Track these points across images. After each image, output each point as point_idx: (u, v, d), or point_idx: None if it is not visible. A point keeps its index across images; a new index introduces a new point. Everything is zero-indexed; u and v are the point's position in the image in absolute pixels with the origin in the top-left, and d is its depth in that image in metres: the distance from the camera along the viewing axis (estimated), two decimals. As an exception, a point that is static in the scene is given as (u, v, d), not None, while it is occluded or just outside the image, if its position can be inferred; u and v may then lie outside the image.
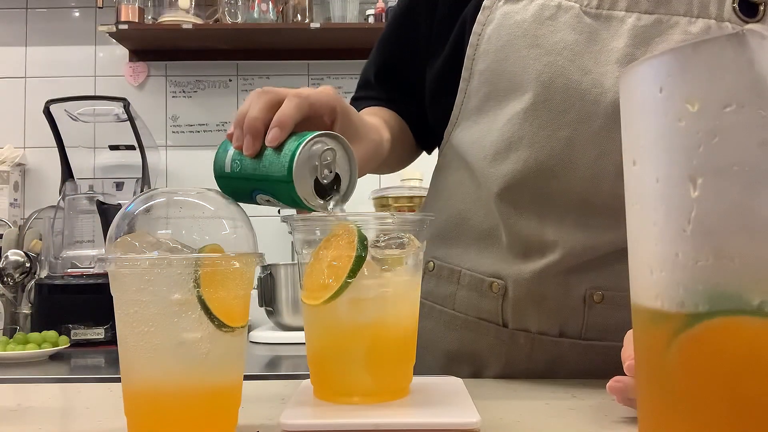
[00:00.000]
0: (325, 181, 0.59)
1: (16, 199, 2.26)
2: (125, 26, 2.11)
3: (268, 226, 1.80)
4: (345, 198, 0.61)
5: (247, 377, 0.54)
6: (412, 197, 2.05)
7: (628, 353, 0.54)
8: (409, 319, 0.61)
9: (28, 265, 1.90)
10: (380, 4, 2.22)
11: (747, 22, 0.69)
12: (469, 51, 0.74)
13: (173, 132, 2.34)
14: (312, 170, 0.58)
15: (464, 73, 0.75)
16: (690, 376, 0.32)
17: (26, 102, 2.32)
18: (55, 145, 2.12)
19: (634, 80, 0.34)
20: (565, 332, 0.74)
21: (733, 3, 0.69)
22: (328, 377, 0.60)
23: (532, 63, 0.69)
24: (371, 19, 2.22)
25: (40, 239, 2.07)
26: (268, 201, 0.62)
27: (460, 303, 0.79)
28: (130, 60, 2.33)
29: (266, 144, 0.59)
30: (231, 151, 0.63)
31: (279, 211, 0.64)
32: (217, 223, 0.53)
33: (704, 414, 0.31)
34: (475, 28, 0.74)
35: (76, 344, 1.73)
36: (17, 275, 1.89)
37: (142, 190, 2.10)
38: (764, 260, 0.29)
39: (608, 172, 0.68)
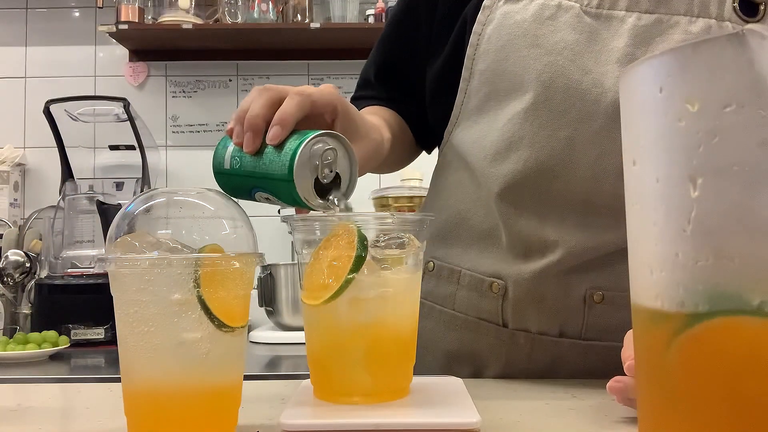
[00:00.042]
0: (325, 181, 0.59)
1: (16, 199, 2.26)
2: (125, 26, 2.11)
3: (268, 226, 1.80)
4: (345, 198, 0.61)
5: (247, 377, 0.54)
6: (412, 197, 2.05)
7: (628, 353, 0.54)
8: (409, 319, 0.61)
9: (28, 265, 1.90)
10: (380, 4, 2.22)
11: (747, 22, 0.69)
12: (469, 51, 0.74)
13: (173, 132, 2.34)
14: (313, 169, 0.58)
15: (464, 73, 0.75)
16: (690, 376, 0.32)
17: (26, 102, 2.32)
18: (55, 145, 2.12)
19: (634, 80, 0.34)
20: (565, 332, 0.74)
21: (734, 2, 0.69)
22: (328, 377, 0.60)
23: (533, 63, 0.69)
24: (371, 19, 2.22)
25: (40, 239, 2.07)
26: (267, 199, 0.62)
27: (460, 303, 0.79)
28: (130, 60, 2.33)
29: (267, 142, 0.59)
30: (231, 147, 0.63)
31: (279, 211, 0.64)
32: (217, 223, 0.53)
33: (704, 414, 0.31)
34: (475, 27, 0.74)
35: (76, 344, 1.73)
36: (17, 275, 1.89)
37: (142, 190, 2.10)
38: (764, 260, 0.29)
39: (609, 172, 0.68)
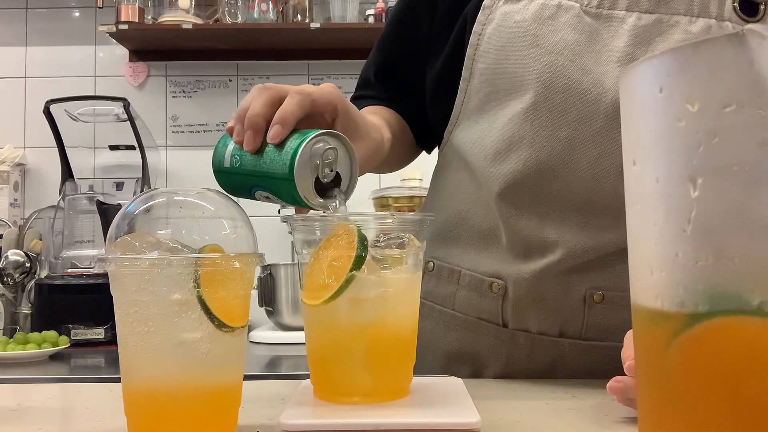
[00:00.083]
0: (325, 180, 0.59)
1: (16, 199, 2.26)
2: (125, 26, 2.11)
3: (268, 226, 1.80)
4: (345, 198, 0.61)
5: (247, 377, 0.54)
6: (412, 197, 2.05)
7: (628, 353, 0.54)
8: (409, 319, 0.61)
9: (28, 265, 1.90)
10: (380, 4, 2.22)
11: (747, 22, 0.69)
12: (469, 51, 0.74)
13: (173, 132, 2.34)
14: (313, 169, 0.58)
15: (464, 73, 0.75)
16: (690, 376, 0.32)
17: (26, 102, 2.32)
18: (55, 145, 2.12)
19: (634, 80, 0.34)
20: (565, 332, 0.74)
21: (734, 2, 0.69)
22: (328, 377, 0.60)
23: (533, 63, 0.69)
24: (371, 19, 2.22)
25: (40, 239, 2.07)
26: (267, 198, 0.62)
27: (460, 303, 0.79)
28: (130, 60, 2.33)
29: (268, 141, 0.59)
30: (231, 145, 0.63)
31: (279, 211, 0.64)
32: (217, 223, 0.53)
33: (704, 414, 0.31)
34: (476, 27, 0.74)
35: (76, 344, 1.73)
36: (17, 275, 1.89)
37: (142, 190, 2.10)
38: (764, 260, 0.29)
39: (609, 171, 0.68)
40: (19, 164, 2.28)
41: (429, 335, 0.80)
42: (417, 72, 0.85)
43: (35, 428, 0.57)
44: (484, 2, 0.74)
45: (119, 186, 2.18)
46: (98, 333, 1.76)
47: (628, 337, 0.57)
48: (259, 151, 0.60)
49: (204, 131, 2.34)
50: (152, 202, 0.54)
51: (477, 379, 0.77)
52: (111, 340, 1.76)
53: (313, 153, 0.58)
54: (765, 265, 0.29)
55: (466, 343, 0.79)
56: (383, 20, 2.16)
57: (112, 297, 0.50)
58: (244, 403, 0.53)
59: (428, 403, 0.59)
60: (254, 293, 1.82)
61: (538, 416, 0.59)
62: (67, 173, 2.13)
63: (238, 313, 0.50)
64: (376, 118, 0.80)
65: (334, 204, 0.60)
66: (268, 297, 1.83)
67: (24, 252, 1.93)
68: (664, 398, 0.33)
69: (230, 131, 0.63)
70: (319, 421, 0.54)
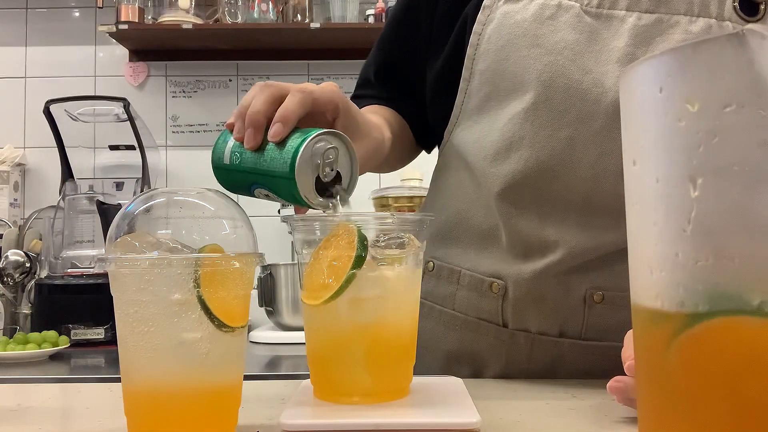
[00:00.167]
0: (326, 180, 0.59)
1: (16, 199, 2.26)
2: (125, 26, 2.11)
3: (268, 226, 1.80)
4: (346, 197, 0.61)
5: (247, 377, 0.54)
6: (412, 197, 2.05)
7: (628, 353, 0.54)
8: (409, 319, 0.61)
9: (28, 265, 1.90)
10: (380, 4, 2.22)
11: (748, 21, 0.69)
12: (469, 51, 0.74)
13: (173, 132, 2.34)
14: (314, 168, 0.58)
15: (465, 73, 0.75)
16: (690, 376, 0.32)
17: (26, 102, 2.32)
18: (55, 145, 2.12)
19: (634, 80, 0.34)
20: (565, 332, 0.74)
21: (734, 2, 0.69)
22: (328, 377, 0.60)
23: (533, 63, 0.69)
24: (371, 19, 2.22)
25: (40, 239, 2.07)
26: (266, 196, 0.62)
27: (460, 303, 0.79)
28: (130, 60, 2.33)
29: (269, 139, 0.59)
30: (231, 142, 0.63)
31: (279, 211, 0.64)
32: (217, 223, 0.53)
33: (704, 414, 0.31)
34: (476, 27, 0.74)
35: (76, 344, 1.73)
36: (17, 275, 1.89)
37: (142, 190, 2.10)
38: (764, 260, 0.29)
39: (609, 171, 0.68)
40: (19, 164, 2.28)
41: (429, 335, 0.80)
42: (417, 72, 0.85)
43: (35, 428, 0.57)
44: (484, 2, 0.74)
45: (119, 186, 2.18)
46: (98, 333, 1.76)
47: (628, 337, 0.57)
48: (260, 148, 0.60)
49: (204, 131, 2.34)
50: (152, 202, 0.54)
51: (477, 379, 0.77)
52: (111, 340, 1.76)
53: (314, 152, 0.58)
54: (765, 265, 0.29)
55: (466, 343, 0.79)
56: (383, 20, 2.16)
57: (112, 297, 0.50)
58: (244, 403, 0.53)
59: (428, 403, 0.59)
60: (254, 293, 1.82)
61: (538, 416, 0.59)
62: (67, 173, 2.13)
63: (238, 313, 0.50)
64: (377, 118, 0.80)
65: (334, 203, 0.60)
66: (268, 297, 1.83)
67: (24, 252, 1.93)
68: (664, 398, 0.33)
69: (230, 128, 0.63)
70: (319, 421, 0.54)
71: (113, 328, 0.62)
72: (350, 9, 2.23)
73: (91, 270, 1.88)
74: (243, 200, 0.66)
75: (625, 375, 0.53)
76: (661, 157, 0.33)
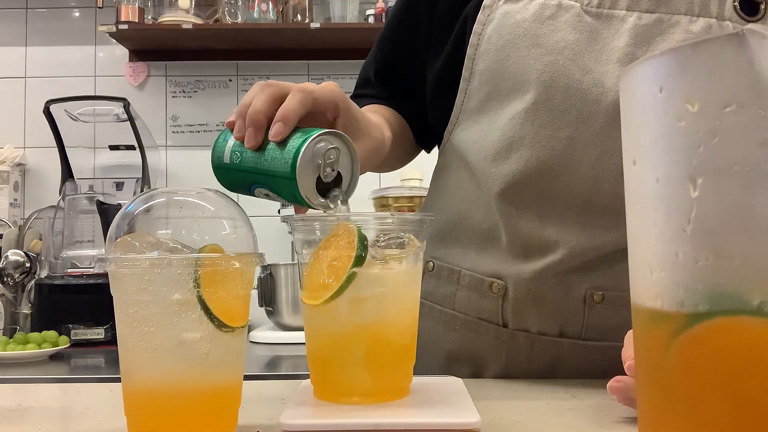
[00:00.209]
0: (327, 180, 0.59)
1: (16, 199, 2.26)
2: (125, 26, 2.11)
3: (268, 226, 1.80)
4: (346, 197, 0.61)
5: (247, 377, 0.54)
6: (412, 197, 2.05)
7: (628, 353, 0.54)
8: (409, 319, 0.61)
9: (28, 265, 1.90)
10: (380, 4, 2.22)
11: (748, 21, 0.69)
12: (469, 51, 0.74)
13: (173, 132, 2.34)
14: (315, 168, 0.58)
15: (465, 73, 0.75)
16: (690, 376, 0.32)
17: (26, 102, 2.32)
18: (55, 145, 2.12)
19: (634, 80, 0.34)
20: (565, 332, 0.74)
21: (734, 2, 0.69)
22: (328, 377, 0.60)
23: (533, 63, 0.69)
24: (371, 19, 2.22)
25: (40, 239, 2.07)
26: (267, 195, 0.62)
27: (459, 303, 0.79)
28: (130, 60, 2.33)
29: (270, 138, 0.59)
30: (231, 141, 0.63)
31: (279, 211, 0.64)
32: (217, 223, 0.53)
33: (704, 414, 0.31)
34: (476, 27, 0.74)
35: (76, 344, 1.73)
36: (17, 275, 1.89)
37: (142, 190, 2.10)
38: (764, 260, 0.29)
39: (609, 171, 0.68)
40: (19, 164, 2.28)
41: (429, 335, 0.80)
42: (417, 72, 0.85)
43: (35, 428, 0.57)
44: (484, 2, 0.74)
45: (119, 186, 2.18)
46: (98, 333, 1.76)
47: (629, 337, 0.57)
48: (260, 148, 0.60)
49: (204, 131, 2.34)
50: (152, 202, 0.54)
51: (477, 379, 0.77)
52: (111, 340, 1.76)
53: (315, 152, 0.58)
54: (765, 265, 0.29)
55: (466, 343, 0.79)
56: (383, 20, 2.16)
57: (112, 297, 0.50)
58: (244, 403, 0.53)
59: (428, 403, 0.59)
60: (254, 293, 1.82)
61: (538, 416, 0.59)
62: (67, 173, 2.13)
63: (238, 313, 0.50)
64: (377, 117, 0.80)
65: (334, 204, 0.60)
66: (268, 297, 1.83)
67: (24, 252, 1.93)
68: (664, 398, 0.33)
69: (230, 126, 0.63)
70: (319, 421, 0.54)
71: (113, 328, 0.62)
72: (350, 9, 2.23)
73: (91, 270, 1.88)
74: (243, 200, 0.66)
75: (625, 375, 0.53)
76: (661, 157, 0.33)
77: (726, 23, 0.69)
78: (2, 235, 2.08)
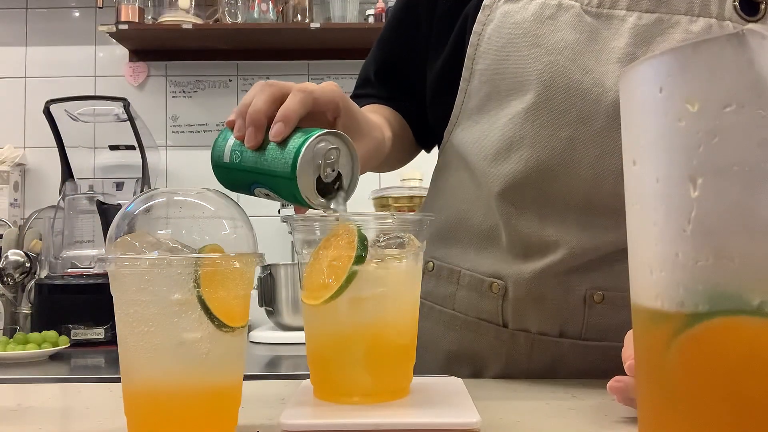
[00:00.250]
0: (327, 180, 0.59)
1: (16, 199, 2.26)
2: (125, 26, 2.11)
3: (268, 226, 1.80)
4: (346, 197, 0.61)
5: (247, 377, 0.54)
6: (412, 197, 2.05)
7: (628, 353, 0.54)
8: (409, 319, 0.61)
9: (28, 265, 1.90)
10: (380, 4, 2.22)
11: (748, 21, 0.69)
12: (469, 50, 0.74)
13: (173, 132, 2.34)
14: (315, 168, 0.58)
15: (465, 73, 0.75)
16: (690, 376, 0.32)
17: (26, 102, 2.32)
18: (55, 145, 2.12)
19: (634, 80, 0.34)
20: (565, 332, 0.74)
21: (734, 2, 0.69)
22: (328, 377, 0.60)
23: (533, 62, 0.69)
24: (371, 19, 2.22)
25: (40, 239, 2.07)
26: (267, 195, 0.62)
27: (459, 303, 0.79)
28: (130, 60, 2.33)
29: (270, 138, 0.59)
30: (231, 141, 0.63)
31: (279, 211, 0.64)
32: (217, 223, 0.53)
33: (704, 414, 0.31)
34: (476, 27, 0.74)
35: (76, 344, 1.73)
36: (17, 275, 1.89)
37: (142, 190, 2.10)
38: (764, 260, 0.29)
39: (609, 171, 0.68)
40: (19, 164, 2.28)
41: (429, 335, 0.80)
42: (417, 72, 0.85)
43: (35, 428, 0.57)
44: (484, 2, 0.74)
45: (119, 186, 2.18)
46: (98, 333, 1.76)
47: (629, 337, 0.57)
48: (261, 148, 0.60)
49: (204, 131, 2.34)
50: (152, 202, 0.54)
51: (477, 379, 0.77)
52: (111, 340, 1.76)
53: (315, 153, 0.58)
54: (765, 265, 0.29)
55: (466, 343, 0.79)
56: (383, 20, 2.16)
57: (112, 297, 0.50)
58: (244, 403, 0.53)
59: (428, 403, 0.59)
60: (254, 293, 1.82)
61: (538, 416, 0.59)
62: (67, 173, 2.13)
63: (238, 313, 0.50)
64: (377, 117, 0.80)
65: (334, 204, 0.60)
66: (268, 297, 1.83)
67: (24, 252, 1.93)
68: (664, 398, 0.33)
69: (230, 125, 0.63)
70: (319, 421, 0.54)
71: (113, 328, 0.62)
72: (350, 9, 2.23)
73: (91, 270, 1.88)
74: (243, 200, 0.66)
75: (625, 375, 0.53)
76: (661, 157, 0.33)
77: (726, 23, 0.69)
78: (2, 235, 2.08)
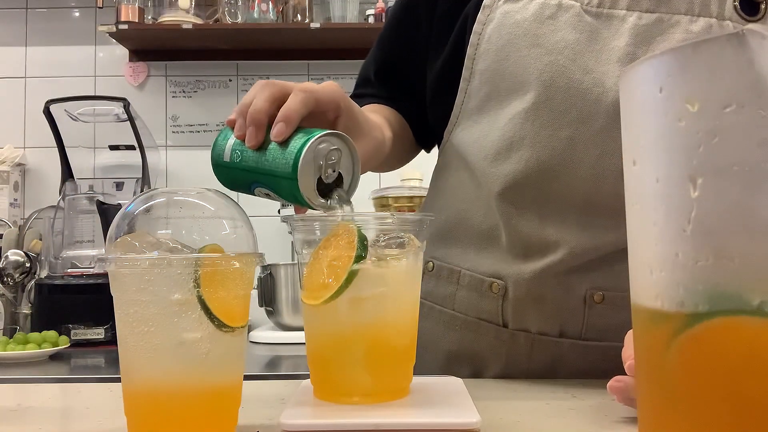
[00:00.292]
0: (328, 181, 0.59)
1: (16, 199, 2.26)
2: (125, 26, 2.11)
3: (268, 226, 1.80)
4: (347, 198, 0.61)
5: (247, 377, 0.54)
6: (412, 197, 2.05)
7: (628, 353, 0.54)
8: (409, 319, 0.61)
9: (28, 265, 1.90)
10: (380, 4, 2.22)
11: (748, 21, 0.69)
12: (469, 50, 0.74)
13: (173, 132, 2.34)
14: (316, 169, 0.58)
15: (465, 73, 0.75)
16: (690, 376, 0.32)
17: (26, 102, 2.32)
18: (55, 145, 2.12)
19: (634, 80, 0.34)
20: (565, 332, 0.74)
21: (734, 1, 0.69)
22: (328, 377, 0.60)
23: (533, 62, 0.69)
24: (371, 19, 2.22)
25: (40, 239, 2.07)
26: (267, 195, 0.62)
27: (459, 303, 0.79)
28: (130, 60, 2.33)
29: (272, 138, 0.59)
30: (231, 140, 0.63)
31: (279, 211, 0.64)
32: (217, 223, 0.53)
33: (704, 414, 0.31)
34: (476, 27, 0.74)
35: (76, 344, 1.73)
36: (17, 275, 1.89)
37: (142, 190, 2.10)
38: (764, 260, 0.29)
39: (610, 171, 0.68)
40: (19, 164, 2.28)
41: (429, 335, 0.80)
42: (417, 71, 0.85)
43: (35, 428, 0.57)
44: (484, 1, 0.74)
45: (119, 186, 2.18)
46: (98, 333, 1.76)
47: (629, 337, 0.57)
48: (261, 147, 0.60)
49: (204, 131, 2.34)
50: (152, 202, 0.54)
51: (477, 379, 0.77)
52: (111, 340, 1.76)
53: (316, 153, 0.58)
54: (765, 265, 0.29)
55: (466, 343, 0.79)
56: (383, 20, 2.16)
57: (112, 297, 0.50)
58: (244, 403, 0.53)
59: (428, 403, 0.59)
60: (254, 293, 1.82)
61: (538, 416, 0.59)
62: (67, 173, 2.13)
63: (238, 313, 0.50)
64: (377, 117, 0.80)
65: (335, 205, 0.60)
66: (268, 297, 1.83)
67: (24, 252, 1.93)
68: (664, 398, 0.33)
69: (231, 124, 0.63)
70: (319, 421, 0.54)
71: (113, 328, 0.62)
72: (350, 9, 2.23)
73: (91, 270, 1.88)
74: (243, 200, 0.66)
75: (625, 375, 0.53)
76: (661, 157, 0.33)
77: (726, 23, 0.69)
78: (2, 235, 2.08)
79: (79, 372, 1.57)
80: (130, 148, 2.16)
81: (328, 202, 0.60)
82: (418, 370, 0.64)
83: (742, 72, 0.29)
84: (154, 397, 0.49)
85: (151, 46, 2.30)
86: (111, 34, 2.18)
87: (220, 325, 0.48)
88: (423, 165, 1.02)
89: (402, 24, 0.87)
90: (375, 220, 0.62)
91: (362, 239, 0.55)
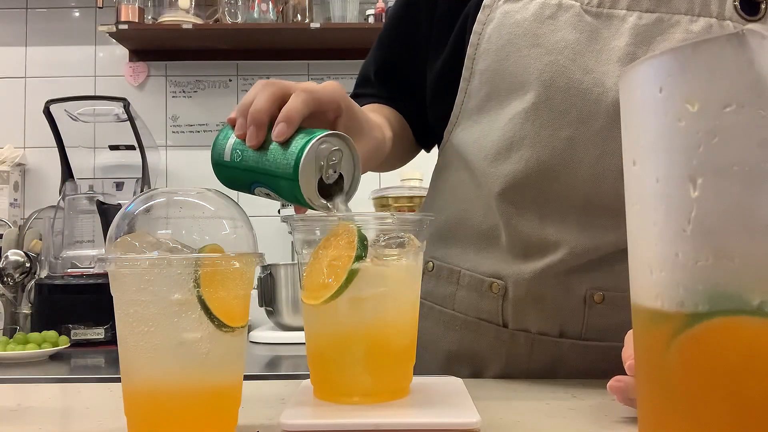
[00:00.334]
0: (328, 181, 0.59)
1: (16, 199, 2.26)
2: (125, 26, 2.11)
3: (268, 226, 1.80)
4: (347, 199, 0.61)
5: (247, 377, 0.54)
6: (412, 197, 2.05)
7: (628, 353, 0.54)
8: (410, 319, 0.61)
9: (28, 265, 1.90)
10: (380, 4, 2.22)
11: (748, 21, 0.69)
12: (469, 50, 0.74)
13: (173, 132, 2.34)
14: (317, 170, 0.58)
15: (465, 73, 0.75)
16: (690, 376, 0.32)
17: (26, 102, 2.32)
18: (55, 145, 2.12)
19: (634, 80, 0.34)
20: (565, 333, 0.74)
21: (735, 1, 0.69)
22: (328, 377, 0.60)
23: (533, 62, 0.69)
24: (371, 19, 2.22)
25: (40, 239, 2.07)
26: (267, 194, 0.62)
27: (459, 303, 0.79)
28: (130, 60, 2.33)
29: (273, 138, 0.59)
30: (232, 139, 0.62)
31: (279, 211, 0.64)
32: (217, 223, 0.53)
33: (704, 414, 0.31)
34: (476, 27, 0.74)
35: (76, 344, 1.73)
36: (17, 275, 1.89)
37: (142, 190, 2.10)
38: (764, 260, 0.29)
39: (610, 171, 0.68)
40: (19, 164, 2.28)
41: (429, 335, 0.80)
42: (417, 71, 0.85)
43: (35, 428, 0.57)
44: (484, 1, 0.74)
45: (119, 186, 2.18)
46: (98, 333, 1.76)
47: (629, 337, 0.57)
48: (262, 147, 0.60)
49: (204, 131, 2.34)
50: (152, 202, 0.54)
51: (477, 379, 0.77)
52: (111, 340, 1.76)
53: (318, 154, 0.58)
54: (765, 265, 0.29)
55: (466, 343, 0.79)
56: (383, 20, 2.16)
57: (112, 297, 0.50)
58: (244, 403, 0.53)
59: (428, 403, 0.59)
60: (254, 293, 1.82)
61: (538, 416, 0.59)
62: (67, 173, 2.13)
63: (238, 313, 0.50)
64: (377, 117, 0.80)
65: (335, 205, 0.60)
66: (268, 297, 1.83)
67: (24, 252, 1.93)
68: (664, 398, 0.33)
69: (231, 123, 0.62)
70: (319, 421, 0.54)
71: (113, 328, 0.62)
72: (350, 9, 2.23)
73: (91, 270, 1.88)
74: (243, 200, 0.66)
75: (625, 375, 0.53)
76: (661, 157, 0.33)
77: (726, 23, 0.69)
78: (2, 235, 2.08)
79: (79, 372, 1.57)
80: (130, 148, 2.16)
81: (329, 202, 0.60)
82: (418, 370, 0.64)
83: (742, 72, 0.29)
84: (154, 397, 0.49)
85: (151, 46, 2.30)
86: (111, 34, 2.18)
87: (220, 325, 0.48)
88: (423, 165, 1.02)
89: (402, 24, 0.87)
90: (375, 220, 0.62)
91: (362, 239, 0.55)
